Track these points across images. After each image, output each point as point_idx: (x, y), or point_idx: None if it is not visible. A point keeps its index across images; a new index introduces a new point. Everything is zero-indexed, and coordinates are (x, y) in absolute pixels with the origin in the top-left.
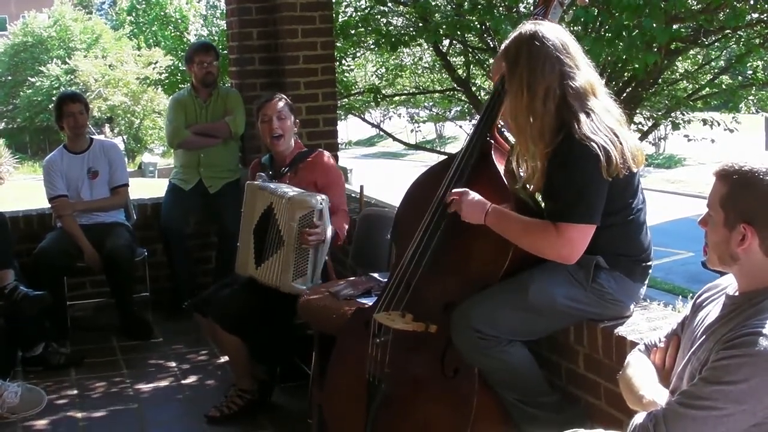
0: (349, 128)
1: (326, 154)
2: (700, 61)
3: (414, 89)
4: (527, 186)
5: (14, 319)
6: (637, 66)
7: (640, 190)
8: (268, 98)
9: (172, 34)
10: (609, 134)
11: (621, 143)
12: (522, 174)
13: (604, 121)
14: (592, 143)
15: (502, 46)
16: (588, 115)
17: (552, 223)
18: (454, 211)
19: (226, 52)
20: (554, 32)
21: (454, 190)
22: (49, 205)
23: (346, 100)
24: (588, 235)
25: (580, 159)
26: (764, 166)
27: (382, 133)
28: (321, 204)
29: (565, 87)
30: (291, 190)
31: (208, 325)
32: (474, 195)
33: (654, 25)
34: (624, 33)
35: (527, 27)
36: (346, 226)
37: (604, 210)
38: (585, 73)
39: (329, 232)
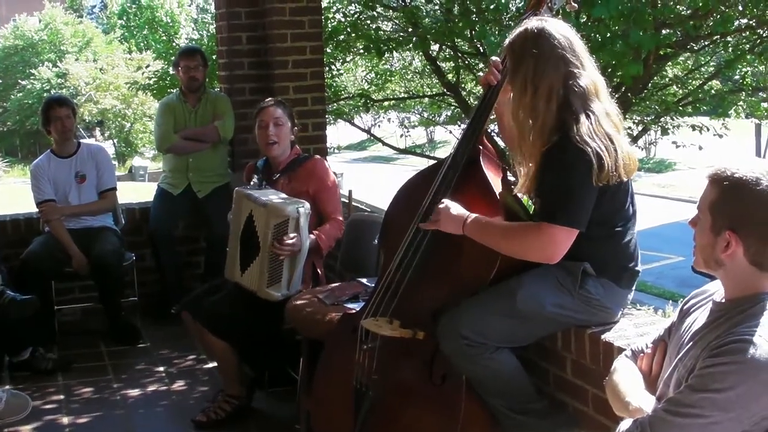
0: (339, 133)
1: (322, 160)
2: (690, 66)
3: (404, 94)
4: (518, 193)
5: (1, 323)
6: (621, 74)
7: (629, 203)
8: (268, 104)
9: (162, 38)
10: (605, 140)
11: (615, 150)
12: (518, 179)
13: (603, 126)
14: (587, 147)
15: (506, 42)
16: (588, 117)
17: (535, 223)
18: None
19: (215, 56)
20: (560, 29)
21: (430, 220)
22: (37, 210)
23: (335, 104)
24: (571, 238)
25: (574, 162)
26: (755, 174)
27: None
28: (297, 213)
29: (569, 87)
30: (275, 197)
31: (197, 328)
32: (452, 207)
33: (640, 33)
34: (609, 44)
35: (533, 23)
36: (339, 235)
37: (590, 219)
38: (590, 74)
39: (306, 242)
